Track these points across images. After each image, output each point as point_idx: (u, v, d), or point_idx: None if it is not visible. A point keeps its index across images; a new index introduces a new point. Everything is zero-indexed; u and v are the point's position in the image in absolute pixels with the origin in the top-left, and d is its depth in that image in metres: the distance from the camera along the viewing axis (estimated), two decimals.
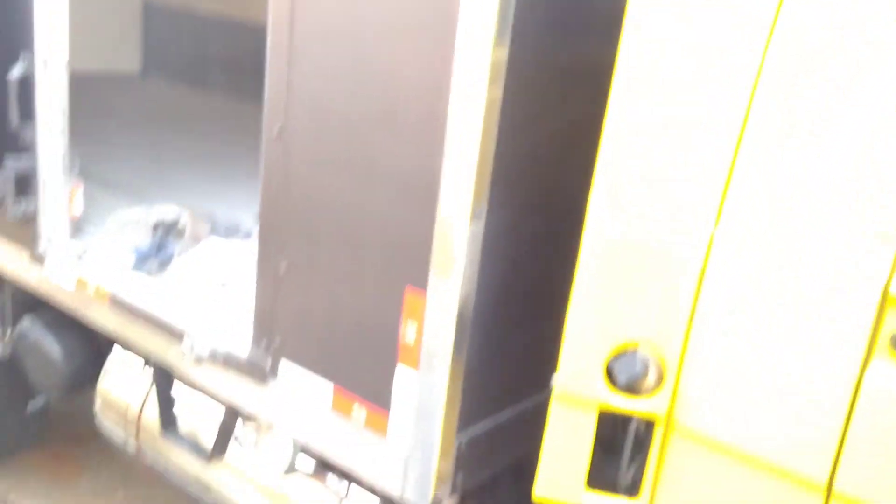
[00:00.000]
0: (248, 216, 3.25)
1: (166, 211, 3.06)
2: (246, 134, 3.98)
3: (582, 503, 1.73)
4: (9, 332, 3.37)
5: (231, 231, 3.04)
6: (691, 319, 1.56)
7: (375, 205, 1.97)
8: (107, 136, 4.31)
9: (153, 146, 4.34)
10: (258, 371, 2.31)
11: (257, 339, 2.31)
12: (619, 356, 1.58)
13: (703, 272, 1.53)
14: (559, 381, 1.67)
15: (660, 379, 1.58)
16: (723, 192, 1.53)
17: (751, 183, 1.51)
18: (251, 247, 2.84)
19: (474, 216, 1.82)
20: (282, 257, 2.19)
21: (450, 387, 1.94)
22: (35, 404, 3.54)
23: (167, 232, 2.99)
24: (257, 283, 2.29)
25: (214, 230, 3.01)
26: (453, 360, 1.92)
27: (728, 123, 1.53)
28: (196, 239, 2.93)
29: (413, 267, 1.92)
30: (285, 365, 2.25)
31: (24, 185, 2.83)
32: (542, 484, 1.76)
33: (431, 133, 1.82)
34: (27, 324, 3.31)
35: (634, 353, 1.58)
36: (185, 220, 3.00)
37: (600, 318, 1.61)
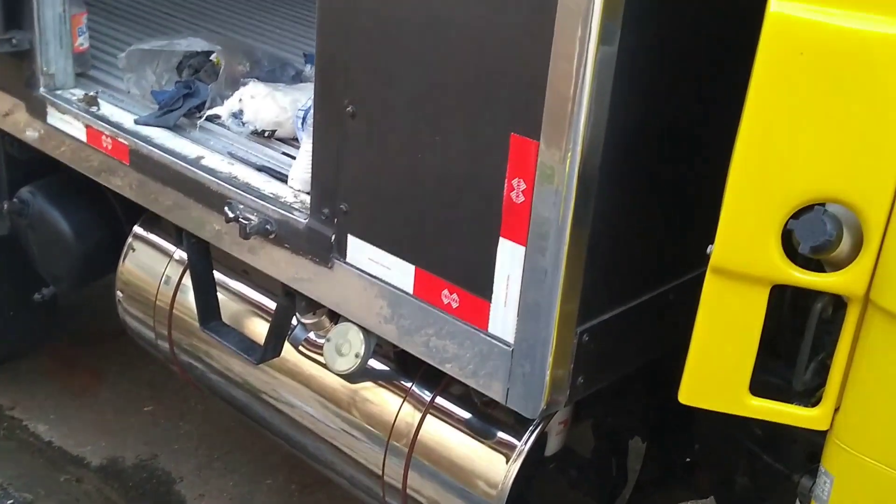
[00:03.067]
0: (296, 54, 3.29)
1: (194, 45, 3.12)
2: None
3: (745, 412, 1.77)
4: (5, 205, 3.55)
5: (277, 73, 3.08)
6: None
7: (470, 22, 1.96)
8: None
9: None
10: (320, 248, 2.39)
11: (317, 209, 2.38)
12: (801, 216, 1.56)
13: None
14: (718, 251, 1.67)
15: (857, 246, 1.56)
16: None
17: None
18: (305, 90, 2.91)
19: (603, 38, 1.80)
20: (347, 100, 2.22)
21: (568, 266, 1.97)
22: (43, 295, 3.73)
23: (196, 72, 3.06)
24: (315, 135, 2.34)
25: (255, 71, 3.05)
26: (573, 232, 1.94)
27: None
28: (233, 82, 2.99)
29: (520, 107, 1.93)
30: (353, 241, 2.33)
31: (14, 12, 2.93)
32: (689, 387, 1.78)
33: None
34: (27, 194, 3.49)
35: (822, 212, 1.56)
36: (218, 56, 3.05)
37: (776, 164, 1.59)
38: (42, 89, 3.01)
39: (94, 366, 4.80)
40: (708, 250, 1.69)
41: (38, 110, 3.04)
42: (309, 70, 3.11)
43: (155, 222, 3.28)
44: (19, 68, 3.03)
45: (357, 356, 2.46)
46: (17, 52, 2.97)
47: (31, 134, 3.13)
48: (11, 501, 3.93)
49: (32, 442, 4.30)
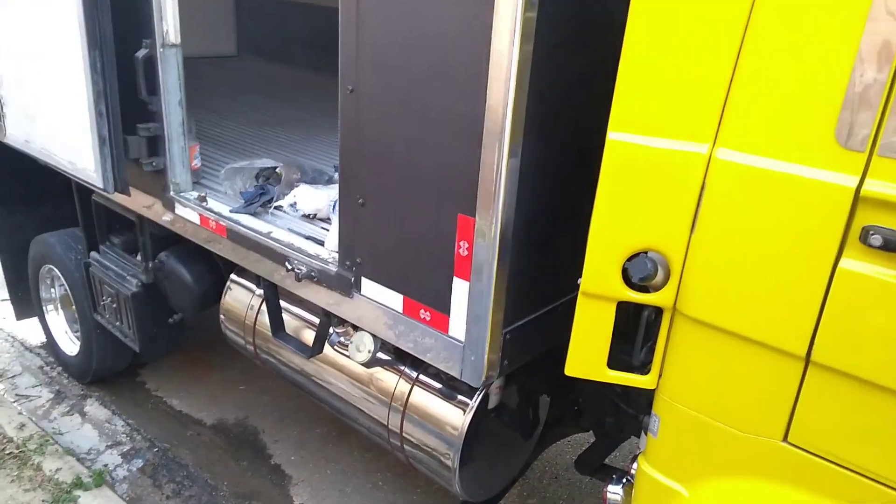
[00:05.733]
0: (328, 166, 3.31)
1: (266, 163, 3.13)
2: (325, 100, 4.01)
3: (604, 379, 1.77)
4: (150, 264, 3.52)
5: (317, 178, 3.09)
6: (692, 228, 1.55)
7: (431, 145, 1.98)
8: (214, 106, 4.40)
9: (251, 112, 4.41)
10: (345, 286, 2.38)
11: (342, 261, 2.37)
12: (633, 259, 1.59)
13: (702, 185, 1.51)
14: (584, 281, 1.68)
15: (667, 277, 1.58)
16: (721, 109, 1.48)
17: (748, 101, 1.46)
18: (334, 189, 2.92)
19: (511, 154, 1.83)
20: (359, 194, 2.23)
21: (496, 292, 1.97)
22: (174, 319, 3.70)
23: (267, 179, 3.06)
24: (340, 216, 2.34)
25: (304, 178, 3.06)
26: (498, 271, 1.94)
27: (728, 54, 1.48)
28: (290, 185, 2.99)
29: (463, 197, 1.93)
30: (365, 281, 2.32)
31: (154, 146, 2.91)
32: (572, 364, 1.79)
33: (475, 83, 1.81)
34: (163, 257, 3.45)
35: (645, 256, 1.58)
36: (280, 169, 3.06)
37: (617, 228, 1.61)
38: (171, 192, 2.99)
39: (208, 361, 4.74)
40: (578, 281, 1.70)
41: (169, 205, 3.02)
42: (336, 176, 3.11)
43: (243, 273, 3.26)
44: (158, 180, 3.01)
45: (369, 351, 2.45)
46: (156, 170, 2.95)
47: (165, 219, 3.10)
48: (156, 449, 3.86)
49: (169, 411, 4.24)
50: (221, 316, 3.32)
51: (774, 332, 1.49)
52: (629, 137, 1.57)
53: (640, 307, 1.71)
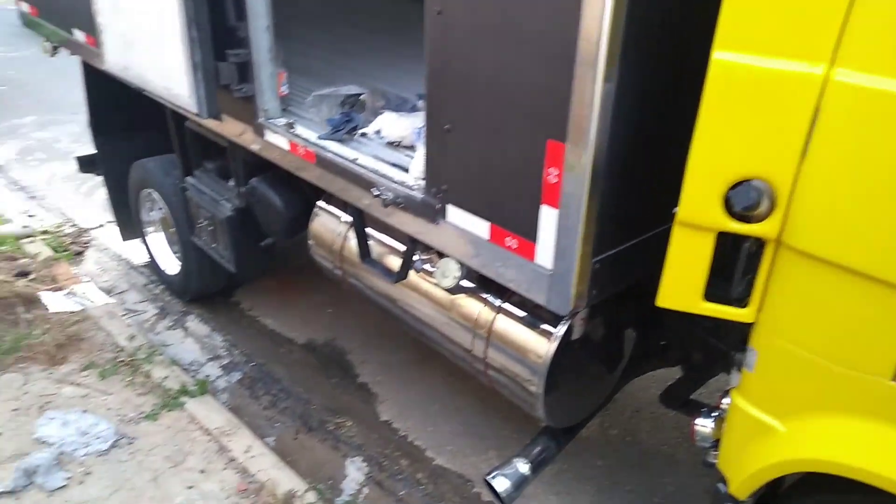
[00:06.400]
0: (411, 94, 3.27)
1: (351, 90, 3.11)
2: (406, 28, 3.92)
3: (699, 311, 1.72)
4: (242, 189, 3.63)
5: (400, 105, 3.05)
6: (803, 155, 1.45)
7: (521, 68, 1.91)
8: (298, 34, 4.39)
9: (333, 41, 4.38)
10: (430, 212, 2.38)
11: (428, 188, 2.36)
12: (736, 187, 1.50)
13: (816, 109, 1.40)
14: (681, 210, 1.61)
15: (772, 206, 1.50)
16: (842, 25, 1.35)
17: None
18: (417, 116, 2.89)
19: (606, 78, 1.73)
20: (445, 119, 2.19)
21: (585, 221, 1.92)
22: (266, 243, 3.82)
23: (352, 107, 3.06)
24: (426, 142, 2.32)
25: (388, 105, 3.04)
26: (589, 199, 1.89)
27: None
28: (374, 112, 2.98)
29: (554, 122, 1.87)
30: (450, 208, 2.31)
31: (244, 72, 2.95)
32: (665, 295, 1.74)
33: (570, 2, 1.72)
34: (254, 182, 3.55)
35: (749, 184, 1.49)
36: (365, 97, 3.05)
37: (719, 155, 1.52)
38: (261, 118, 3.03)
39: (297, 285, 4.94)
40: (674, 210, 1.64)
41: (258, 131, 3.07)
42: (420, 104, 3.08)
43: (330, 199, 3.33)
44: (247, 106, 3.06)
45: (455, 278, 2.46)
46: (246, 96, 2.99)
47: (255, 146, 3.17)
48: (253, 364, 4.10)
49: (262, 329, 4.48)
50: (310, 241, 3.42)
51: (889, 266, 1.39)
52: (736, 57, 1.46)
53: (739, 238, 1.63)
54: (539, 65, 1.86)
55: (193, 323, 4.47)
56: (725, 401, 1.92)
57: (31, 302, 4.25)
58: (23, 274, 4.68)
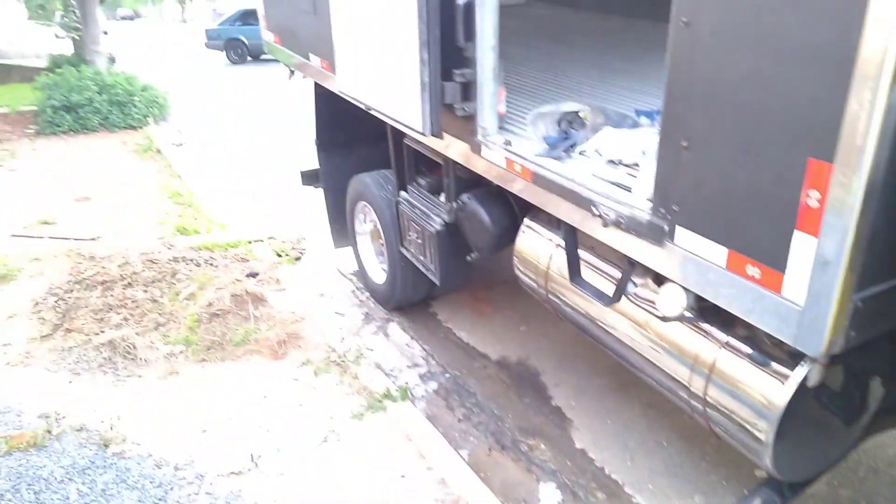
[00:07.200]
0: (629, 110, 3.16)
1: (570, 107, 3.08)
2: (612, 43, 3.81)
3: None
4: (453, 204, 3.74)
5: (620, 122, 2.95)
6: None
7: (782, 80, 1.74)
8: (508, 53, 4.45)
9: (543, 58, 4.39)
10: (656, 234, 2.25)
11: (656, 208, 2.24)
12: None
13: None
14: None
15: None
16: None
17: None
18: (639, 133, 2.78)
19: (892, 91, 1.51)
20: (682, 136, 2.06)
21: (851, 251, 1.70)
22: (471, 257, 3.88)
23: (570, 124, 3.02)
24: (658, 158, 2.20)
25: (607, 122, 2.95)
26: (857, 227, 1.67)
27: None
28: (594, 129, 2.91)
29: (818, 139, 1.68)
30: (680, 230, 2.17)
31: (467, 91, 3.03)
32: None
33: (849, 6, 1.54)
34: (465, 198, 3.64)
35: None
36: (584, 113, 2.99)
37: None
38: (479, 136, 3.10)
39: (492, 299, 4.99)
40: None
41: (476, 148, 3.14)
42: (641, 120, 2.96)
43: (538, 216, 3.30)
44: (467, 124, 3.14)
45: (680, 306, 2.31)
46: (467, 115, 3.07)
47: (472, 162, 3.24)
48: (448, 375, 4.19)
49: (457, 342, 4.56)
50: (515, 258, 3.42)
51: None
52: None
53: None
54: (805, 76, 1.68)
55: (395, 330, 4.68)
56: None
57: (260, 300, 4.71)
58: (252, 274, 5.23)
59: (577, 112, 3.04)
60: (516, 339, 4.52)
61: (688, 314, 2.47)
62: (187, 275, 5.06)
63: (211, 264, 5.29)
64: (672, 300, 2.32)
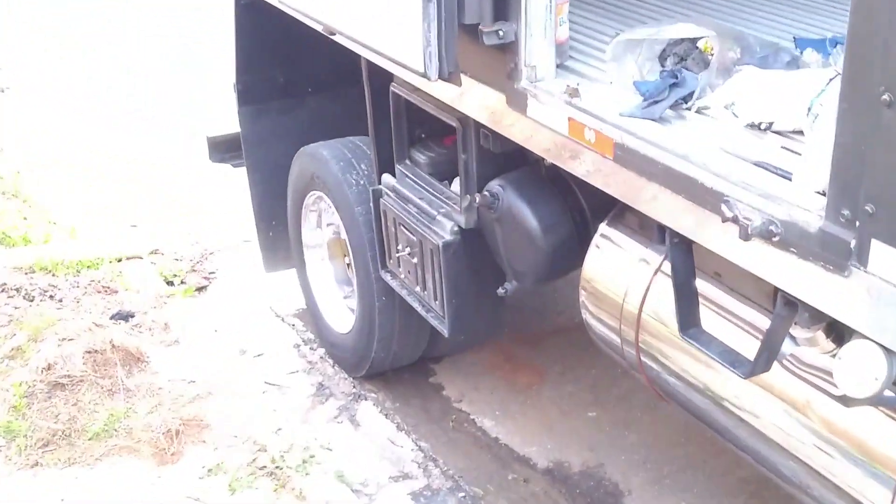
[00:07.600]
0: (787, 38, 3.16)
1: (680, 31, 3.07)
2: None
3: None
4: (475, 197, 3.69)
5: (769, 59, 2.96)
6: None
7: None
8: None
9: None
10: (836, 254, 2.25)
11: (835, 210, 2.24)
12: None
13: None
14: None
15: None
16: None
17: None
18: (802, 79, 2.77)
19: None
20: (883, 87, 2.05)
21: None
22: (505, 289, 3.85)
23: (682, 60, 3.02)
24: (839, 127, 2.19)
25: (746, 58, 2.96)
26: None
27: None
28: (724, 69, 2.91)
29: None
30: (878, 247, 2.16)
31: (503, 4, 3.02)
32: None
33: None
34: (497, 187, 3.62)
35: None
36: (707, 43, 2.99)
37: None
38: (524, 81, 3.09)
39: (536, 363, 4.98)
40: None
41: (518, 103, 3.14)
42: (804, 55, 2.96)
43: (622, 219, 3.29)
44: (501, 61, 3.14)
45: (876, 379, 2.28)
46: (502, 43, 3.06)
47: (508, 126, 3.23)
48: (463, 494, 4.16)
49: (480, 436, 4.55)
50: (581, 290, 3.41)
51: None
52: None
53: None
54: None
55: (369, 414, 4.68)
56: None
57: (136, 361, 4.71)
58: (122, 316, 5.23)
59: (694, 41, 3.04)
60: (580, 430, 4.52)
61: (891, 394, 2.46)
62: (9, 316, 5.06)
63: (52, 297, 5.29)
64: (863, 370, 2.30)
